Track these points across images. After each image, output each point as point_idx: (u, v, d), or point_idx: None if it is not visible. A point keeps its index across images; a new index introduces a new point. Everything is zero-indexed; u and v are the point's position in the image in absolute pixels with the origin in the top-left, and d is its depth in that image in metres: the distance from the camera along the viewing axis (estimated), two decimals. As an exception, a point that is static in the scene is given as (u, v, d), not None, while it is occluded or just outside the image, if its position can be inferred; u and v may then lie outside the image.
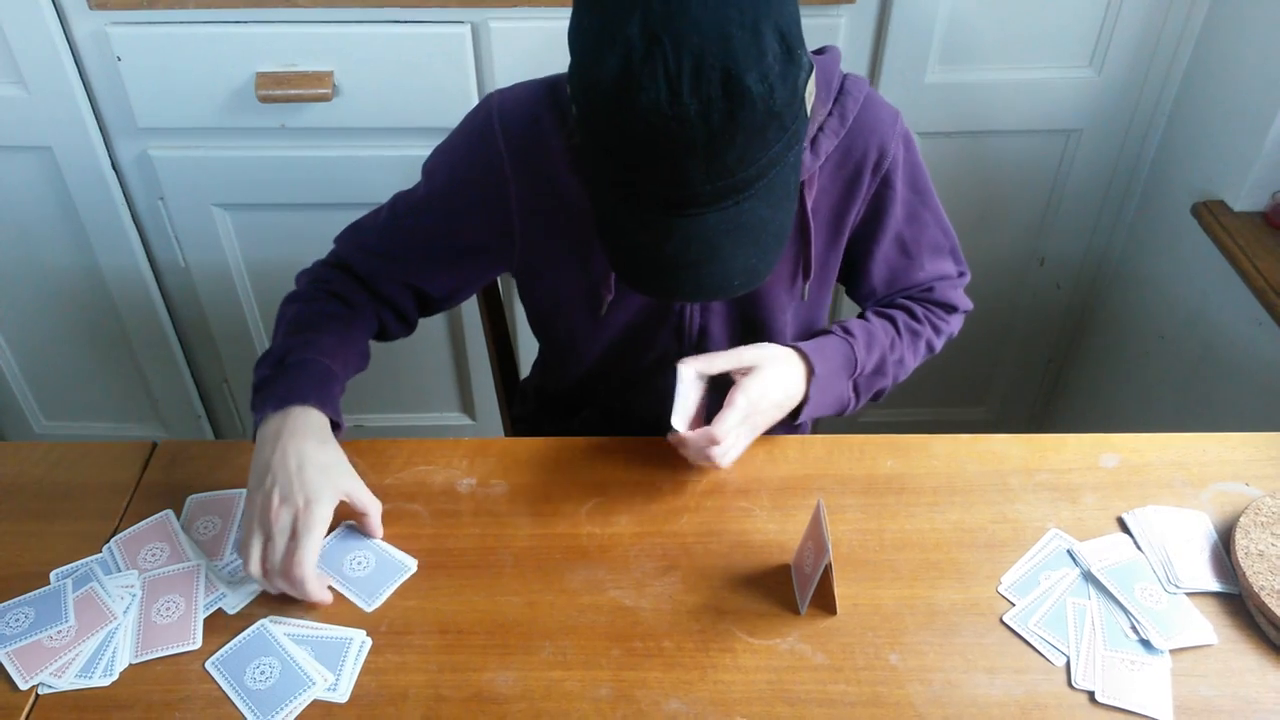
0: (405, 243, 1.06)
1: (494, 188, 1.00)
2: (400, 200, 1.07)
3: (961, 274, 1.17)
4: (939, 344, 1.15)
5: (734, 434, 0.96)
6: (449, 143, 1.04)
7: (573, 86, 0.80)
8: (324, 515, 0.88)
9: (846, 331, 1.07)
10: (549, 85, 0.99)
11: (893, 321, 1.11)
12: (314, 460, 0.90)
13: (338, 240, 1.10)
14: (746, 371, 0.99)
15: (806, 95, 0.80)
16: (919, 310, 1.13)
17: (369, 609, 0.90)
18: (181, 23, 1.46)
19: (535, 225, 1.02)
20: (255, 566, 0.87)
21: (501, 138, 0.98)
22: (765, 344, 1.02)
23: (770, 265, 0.83)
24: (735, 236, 0.80)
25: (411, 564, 0.94)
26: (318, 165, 1.60)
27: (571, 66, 0.80)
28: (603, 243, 0.85)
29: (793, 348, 1.03)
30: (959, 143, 1.65)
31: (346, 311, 1.04)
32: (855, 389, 1.06)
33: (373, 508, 0.94)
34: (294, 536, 0.87)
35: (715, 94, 0.71)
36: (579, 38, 0.77)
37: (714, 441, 0.94)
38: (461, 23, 1.47)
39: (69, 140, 1.57)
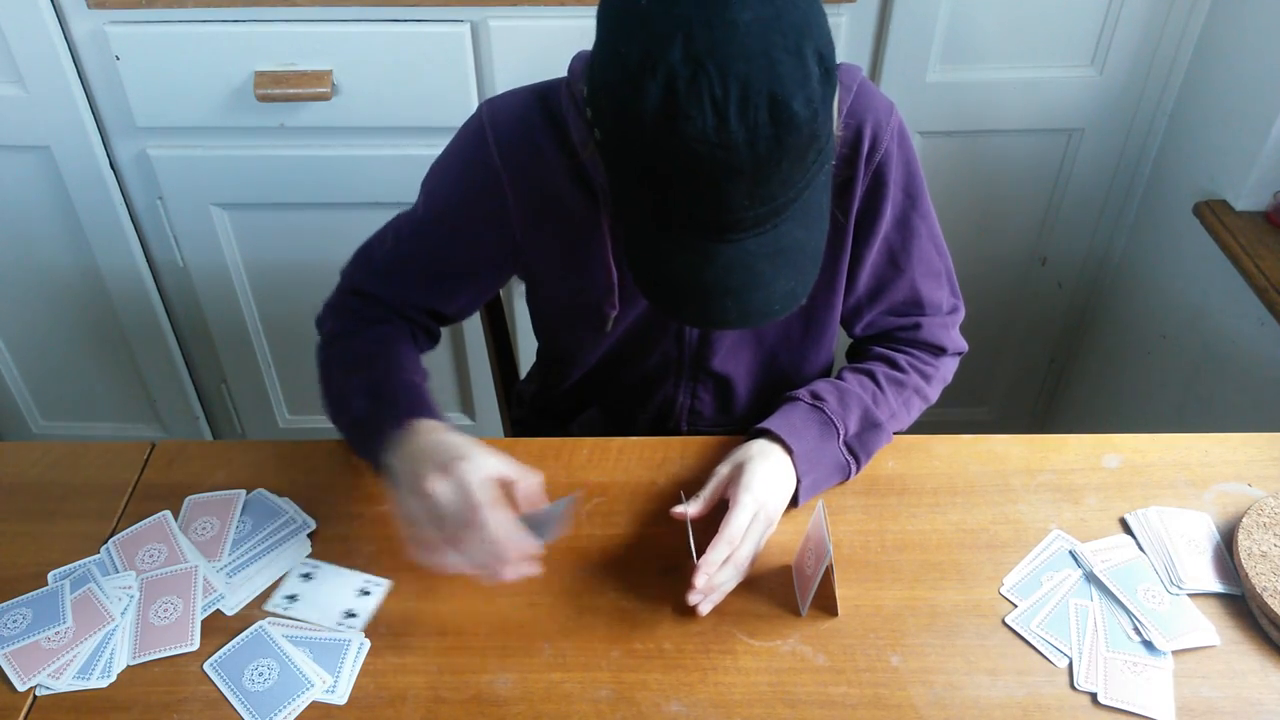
0: (413, 269, 1.04)
1: (493, 200, 0.98)
2: (403, 223, 1.04)
3: (954, 309, 1.10)
4: (931, 392, 1.09)
5: (749, 534, 0.90)
6: (445, 160, 1.02)
7: (599, 111, 0.77)
8: (478, 466, 0.83)
9: (815, 396, 1.02)
10: (538, 94, 0.96)
11: (870, 375, 1.05)
12: (445, 439, 0.87)
13: (347, 268, 1.07)
14: (735, 479, 0.93)
15: (834, 111, 0.78)
16: (901, 359, 1.07)
17: None
18: (180, 22, 1.46)
19: (535, 235, 1.01)
20: (450, 557, 0.82)
21: (496, 151, 0.96)
22: (735, 451, 0.98)
23: (808, 287, 0.81)
24: (774, 260, 0.78)
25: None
26: (316, 165, 1.60)
27: (597, 92, 0.77)
28: (636, 271, 0.82)
29: (763, 432, 0.98)
30: (960, 142, 1.65)
31: (393, 330, 1.02)
32: (851, 452, 1.00)
33: (530, 475, 0.88)
34: (459, 492, 0.82)
35: (762, 120, 0.70)
36: (613, 65, 0.73)
37: (731, 544, 0.88)
38: (461, 22, 1.47)
39: (67, 140, 1.57)
